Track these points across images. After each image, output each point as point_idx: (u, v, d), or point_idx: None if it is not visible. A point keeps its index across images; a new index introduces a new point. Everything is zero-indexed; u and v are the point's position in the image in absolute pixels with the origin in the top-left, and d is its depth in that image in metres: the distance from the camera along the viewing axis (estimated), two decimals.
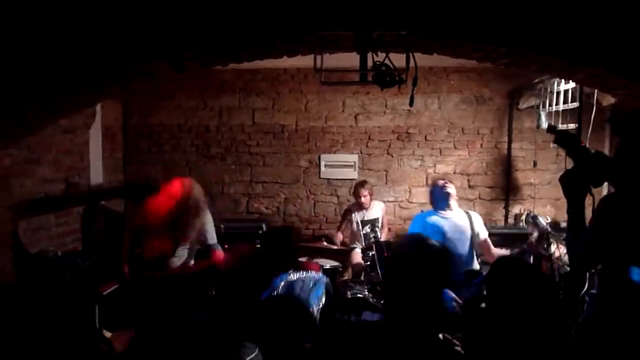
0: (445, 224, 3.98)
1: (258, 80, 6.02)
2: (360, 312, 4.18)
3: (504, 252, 4.24)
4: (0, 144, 2.85)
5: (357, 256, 5.05)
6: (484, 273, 3.52)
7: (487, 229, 4.20)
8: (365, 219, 5.23)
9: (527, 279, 2.02)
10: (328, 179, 6.10)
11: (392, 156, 6.03)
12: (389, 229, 5.79)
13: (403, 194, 6.05)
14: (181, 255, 3.75)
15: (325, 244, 5.12)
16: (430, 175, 5.99)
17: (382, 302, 3.56)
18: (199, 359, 1.88)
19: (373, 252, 4.71)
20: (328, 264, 4.73)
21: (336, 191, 6.11)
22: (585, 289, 2.37)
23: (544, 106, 5.04)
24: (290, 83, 6.02)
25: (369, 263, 4.74)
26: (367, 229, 5.18)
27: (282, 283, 3.16)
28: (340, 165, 6.07)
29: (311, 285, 3.22)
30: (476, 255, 4.06)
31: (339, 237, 5.35)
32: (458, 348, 2.22)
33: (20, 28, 2.43)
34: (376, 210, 5.36)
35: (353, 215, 5.31)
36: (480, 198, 6.00)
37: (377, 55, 2.83)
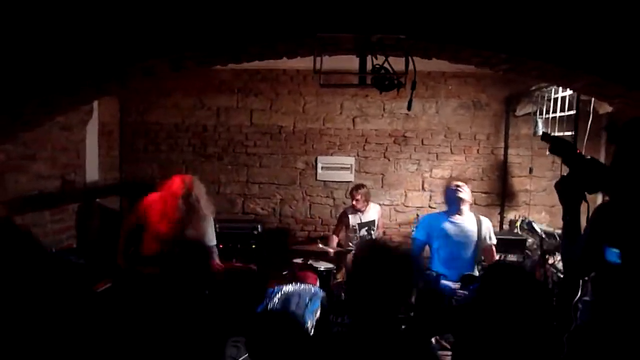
0: (451, 228, 4.00)
1: (257, 80, 6.02)
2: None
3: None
4: None
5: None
6: None
7: None
8: (361, 221, 5.24)
9: (520, 285, 2.03)
10: (324, 181, 6.10)
11: (389, 160, 6.04)
12: (384, 232, 5.81)
13: (399, 197, 6.06)
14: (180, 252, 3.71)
15: (320, 245, 5.12)
16: (426, 179, 6.01)
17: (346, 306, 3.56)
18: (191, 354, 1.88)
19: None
20: (322, 266, 4.73)
21: (332, 193, 6.11)
22: (578, 296, 2.38)
23: (540, 113, 5.07)
24: (289, 84, 6.02)
25: None
26: (364, 231, 5.19)
27: (279, 295, 3.12)
28: (337, 168, 6.07)
29: (307, 300, 3.17)
30: (478, 262, 4.08)
31: (334, 240, 5.35)
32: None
33: (20, 24, 2.42)
34: (372, 213, 5.36)
35: (349, 217, 5.31)
36: (475, 203, 5.99)
37: (376, 59, 2.84)
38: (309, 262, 4.81)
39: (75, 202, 4.95)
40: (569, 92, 4.35)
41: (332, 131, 6.05)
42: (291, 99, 6.03)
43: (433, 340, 4.59)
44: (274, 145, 6.09)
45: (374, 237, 5.15)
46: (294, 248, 5.28)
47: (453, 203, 4.03)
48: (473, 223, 4.05)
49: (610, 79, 2.42)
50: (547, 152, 2.19)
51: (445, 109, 5.95)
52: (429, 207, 5.97)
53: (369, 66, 2.87)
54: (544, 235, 4.10)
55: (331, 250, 5.07)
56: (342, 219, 5.42)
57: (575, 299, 2.36)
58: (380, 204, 5.74)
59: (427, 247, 4.29)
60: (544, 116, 4.98)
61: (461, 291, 3.71)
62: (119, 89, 4.41)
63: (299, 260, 4.87)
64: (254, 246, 5.50)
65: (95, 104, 5.19)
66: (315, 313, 3.24)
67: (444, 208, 4.43)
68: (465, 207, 4.03)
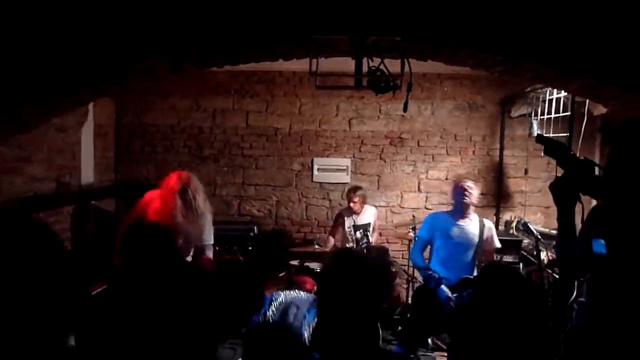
0: (453, 229, 4.00)
1: (253, 82, 6.02)
2: None
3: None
4: None
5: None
6: None
7: None
8: (357, 223, 5.24)
9: (514, 286, 2.03)
10: (320, 182, 6.10)
11: (385, 161, 6.05)
12: (380, 234, 5.81)
13: (395, 199, 6.07)
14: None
15: (317, 247, 5.12)
16: (422, 180, 6.02)
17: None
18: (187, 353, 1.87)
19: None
20: (319, 267, 4.73)
21: (328, 195, 6.11)
22: (573, 296, 2.39)
23: (535, 114, 5.09)
24: (285, 86, 6.02)
25: None
26: (359, 233, 5.19)
27: (276, 304, 3.09)
28: (333, 169, 6.08)
29: (305, 311, 3.14)
30: (477, 265, 4.08)
31: (331, 241, 5.36)
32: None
33: (18, 25, 2.42)
34: (368, 215, 5.36)
35: (345, 219, 5.31)
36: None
37: (372, 61, 2.85)
38: (305, 264, 4.81)
39: (71, 204, 4.94)
40: (563, 93, 4.37)
41: (328, 133, 6.06)
42: (287, 100, 6.03)
43: (429, 340, 4.61)
44: (270, 147, 6.09)
45: (370, 239, 5.15)
46: (291, 250, 5.28)
47: (459, 205, 4.02)
48: (476, 226, 4.04)
49: (606, 81, 2.43)
50: (542, 154, 2.20)
51: (441, 110, 5.97)
52: (425, 208, 5.98)
53: (364, 68, 2.88)
54: (539, 236, 4.11)
55: (330, 247, 5.08)
56: (338, 220, 5.43)
57: (571, 300, 2.37)
58: (376, 206, 5.74)
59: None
60: (539, 117, 5.00)
61: (456, 297, 3.72)
62: (117, 89, 4.39)
63: (295, 262, 4.86)
64: (250, 248, 5.49)
65: (91, 105, 5.17)
66: (312, 324, 3.22)
67: (442, 208, 4.44)
68: (470, 210, 4.03)
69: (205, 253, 3.78)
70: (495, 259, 4.19)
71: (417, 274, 4.86)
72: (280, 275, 4.91)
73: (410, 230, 5.23)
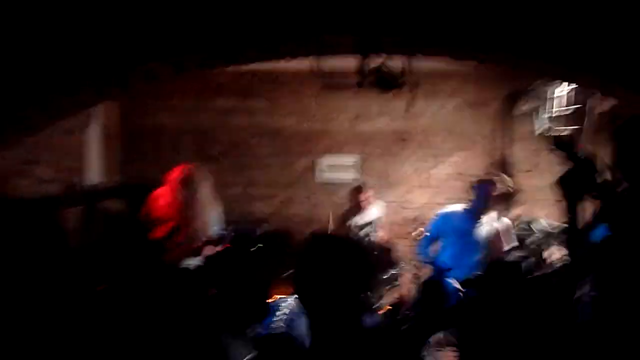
0: (469, 229, 3.96)
1: (256, 82, 6.02)
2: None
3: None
4: (1, 144, 2.85)
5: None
6: None
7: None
8: (363, 222, 5.24)
9: (519, 283, 2.03)
10: (325, 181, 6.10)
11: (390, 159, 6.04)
12: (386, 232, 5.81)
13: (400, 196, 6.06)
14: (184, 240, 3.63)
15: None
16: (428, 178, 6.01)
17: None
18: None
19: (375, 253, 4.72)
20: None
21: (333, 193, 6.11)
22: (581, 291, 2.38)
23: (541, 110, 5.07)
24: (288, 85, 6.02)
25: None
26: (364, 232, 5.18)
27: (283, 316, 3.04)
28: (338, 168, 6.07)
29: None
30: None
31: None
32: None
33: (23, 29, 2.43)
34: (374, 213, 5.37)
35: (350, 218, 5.32)
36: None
37: (376, 59, 2.85)
38: None
39: (78, 206, 4.96)
40: (569, 89, 4.35)
41: (332, 131, 6.05)
42: (291, 99, 6.03)
43: (438, 335, 4.60)
44: (275, 146, 6.09)
45: (375, 237, 5.14)
46: (297, 249, 5.28)
47: (480, 204, 3.94)
48: (493, 225, 3.99)
49: (611, 78, 2.42)
50: (550, 148, 2.20)
51: (445, 107, 5.96)
52: (432, 205, 5.97)
53: (369, 67, 2.88)
54: (547, 232, 4.09)
55: None
56: (344, 219, 5.43)
57: (578, 295, 2.36)
58: (382, 204, 5.74)
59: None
60: (545, 113, 4.98)
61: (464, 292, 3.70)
62: (120, 93, 4.42)
63: None
64: (255, 248, 5.49)
65: (97, 107, 5.20)
66: None
67: (448, 205, 4.43)
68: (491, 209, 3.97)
69: (214, 245, 3.77)
70: (503, 255, 4.16)
71: (423, 271, 4.86)
72: (286, 275, 4.90)
73: (417, 227, 5.22)
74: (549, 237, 4.19)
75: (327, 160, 6.07)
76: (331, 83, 3.51)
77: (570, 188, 2.06)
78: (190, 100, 6.07)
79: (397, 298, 5.38)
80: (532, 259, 4.25)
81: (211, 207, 3.74)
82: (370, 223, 5.23)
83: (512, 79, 5.56)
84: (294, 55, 2.86)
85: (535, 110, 5.25)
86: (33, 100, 2.51)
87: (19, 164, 3.96)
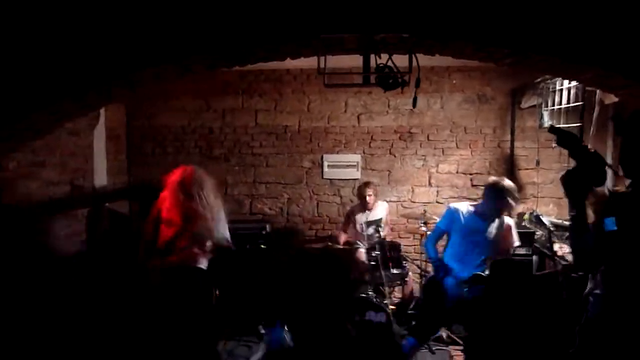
0: (476, 229, 3.96)
1: (261, 81, 6.04)
2: (364, 312, 4.20)
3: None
4: (9, 147, 2.87)
5: (361, 256, 5.06)
6: None
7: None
8: (369, 219, 5.24)
9: (526, 282, 2.04)
10: (331, 179, 6.11)
11: (395, 156, 6.04)
12: (392, 229, 5.82)
13: (406, 193, 6.06)
14: (188, 243, 3.60)
15: (329, 244, 5.14)
16: (433, 174, 6.00)
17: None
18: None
19: (377, 252, 4.73)
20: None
21: (339, 191, 6.12)
22: (589, 288, 2.38)
23: (546, 105, 5.04)
24: (292, 84, 6.03)
25: (373, 263, 4.76)
26: (371, 229, 5.19)
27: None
28: (343, 166, 6.08)
29: None
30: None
31: (343, 237, 5.37)
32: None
33: (29, 33, 2.45)
34: (380, 210, 5.37)
35: (356, 216, 5.33)
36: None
37: (379, 57, 2.85)
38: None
39: (85, 207, 5.00)
40: (574, 83, 4.33)
41: (337, 129, 6.06)
42: (295, 98, 6.05)
43: (444, 334, 4.61)
44: (280, 145, 6.11)
45: (381, 234, 5.15)
46: (303, 247, 5.30)
47: (492, 208, 3.94)
48: (499, 225, 4.00)
49: (616, 71, 2.41)
50: (554, 145, 2.19)
51: (450, 103, 5.94)
52: (436, 202, 5.97)
53: (372, 65, 2.88)
54: (552, 228, 4.08)
55: (341, 243, 5.11)
56: (350, 217, 5.44)
57: (586, 292, 2.36)
58: (387, 201, 5.75)
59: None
60: (549, 108, 4.96)
61: (467, 292, 3.71)
62: (127, 94, 4.44)
63: None
64: (262, 246, 5.52)
65: (102, 109, 5.23)
66: None
67: (453, 202, 4.42)
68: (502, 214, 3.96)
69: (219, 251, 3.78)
70: (512, 251, 4.15)
71: (429, 268, 4.87)
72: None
73: (422, 224, 5.22)
74: (559, 230, 4.16)
75: (332, 158, 6.08)
76: (335, 82, 3.50)
77: (576, 183, 2.06)
78: (194, 101, 6.10)
79: (403, 296, 5.40)
80: (536, 257, 4.25)
81: (216, 208, 3.71)
82: (376, 221, 5.23)
83: (516, 74, 5.55)
84: (297, 54, 2.86)
85: (540, 105, 5.22)
86: (40, 102, 2.53)
87: (26, 167, 4.00)
